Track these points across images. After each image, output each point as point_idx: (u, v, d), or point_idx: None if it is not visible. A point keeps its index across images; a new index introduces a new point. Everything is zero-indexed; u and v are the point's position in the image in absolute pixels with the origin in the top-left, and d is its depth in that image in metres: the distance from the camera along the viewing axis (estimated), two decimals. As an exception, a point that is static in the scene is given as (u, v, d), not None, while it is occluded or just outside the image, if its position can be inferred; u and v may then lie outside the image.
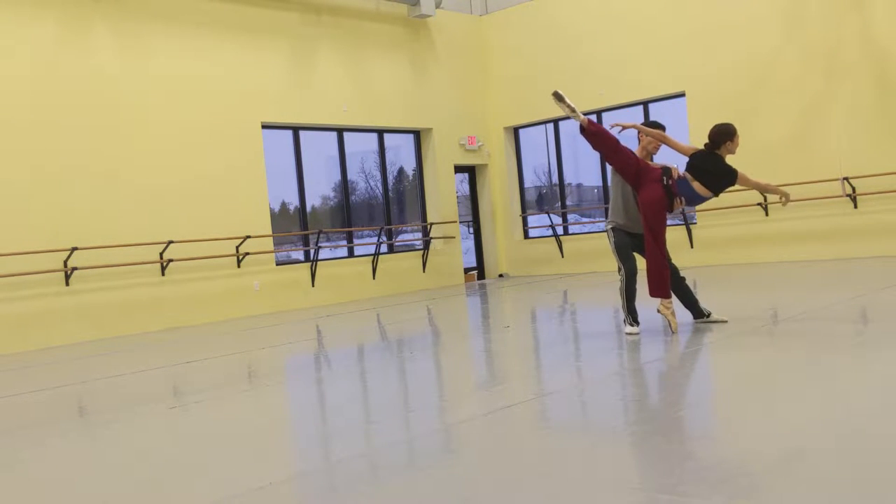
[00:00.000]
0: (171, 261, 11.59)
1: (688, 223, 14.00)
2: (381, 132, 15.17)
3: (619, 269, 6.91)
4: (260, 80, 12.97)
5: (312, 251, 13.51)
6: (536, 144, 16.69)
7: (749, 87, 13.16)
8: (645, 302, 7.01)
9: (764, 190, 7.33)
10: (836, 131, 12.40)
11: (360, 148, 15.09)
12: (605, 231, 7.06)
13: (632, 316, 6.79)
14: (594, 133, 6.64)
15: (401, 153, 15.81)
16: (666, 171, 6.67)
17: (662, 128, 6.97)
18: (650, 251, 6.62)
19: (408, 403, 5.27)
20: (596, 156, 15.61)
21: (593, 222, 15.92)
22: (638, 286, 6.87)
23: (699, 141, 6.83)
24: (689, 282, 7.13)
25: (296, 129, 13.82)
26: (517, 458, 3.69)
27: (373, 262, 14.31)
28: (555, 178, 16.35)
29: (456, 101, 16.02)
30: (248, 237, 12.45)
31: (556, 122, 16.04)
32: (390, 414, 4.94)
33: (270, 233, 12.96)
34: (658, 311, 6.72)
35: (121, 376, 7.37)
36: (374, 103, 14.64)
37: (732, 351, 5.90)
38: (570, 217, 16.25)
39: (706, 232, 13.86)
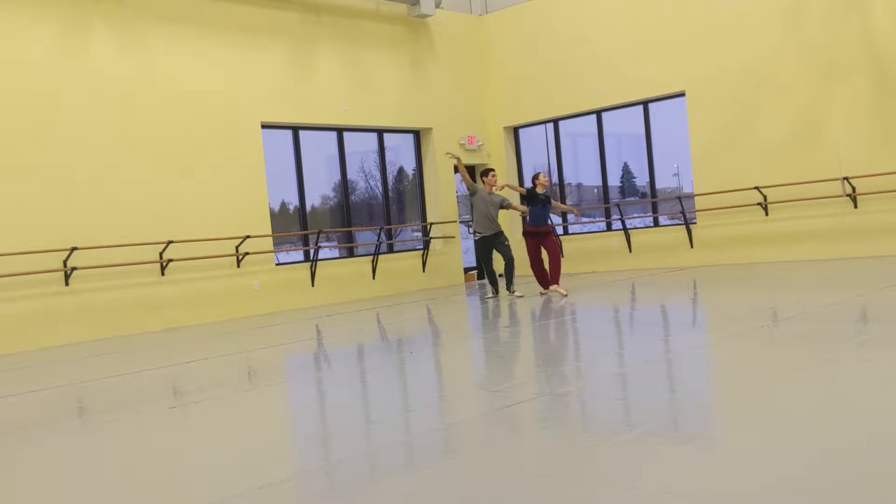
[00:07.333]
0: (170, 261, 11.59)
1: (688, 223, 13.99)
2: (380, 132, 15.16)
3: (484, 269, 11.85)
4: (259, 80, 12.97)
5: (312, 251, 13.51)
6: (536, 144, 16.69)
7: (749, 86, 13.17)
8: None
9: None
10: (836, 131, 12.39)
11: (360, 148, 15.08)
12: (475, 240, 10.27)
13: (493, 287, 11.67)
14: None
15: (400, 153, 15.80)
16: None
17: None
18: (557, 253, 11.57)
19: (408, 403, 5.27)
20: (596, 156, 15.63)
21: (593, 222, 15.92)
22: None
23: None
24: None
25: (295, 129, 13.81)
26: (517, 458, 3.69)
27: (373, 262, 14.31)
28: (555, 178, 16.34)
29: (456, 101, 16.02)
30: (248, 237, 12.45)
31: (555, 121, 16.05)
32: (390, 414, 4.93)
33: (270, 233, 12.97)
34: (552, 290, 11.12)
35: (121, 376, 7.37)
36: (374, 103, 14.64)
37: (732, 351, 5.90)
38: (570, 217, 16.23)
39: (706, 232, 13.86)
